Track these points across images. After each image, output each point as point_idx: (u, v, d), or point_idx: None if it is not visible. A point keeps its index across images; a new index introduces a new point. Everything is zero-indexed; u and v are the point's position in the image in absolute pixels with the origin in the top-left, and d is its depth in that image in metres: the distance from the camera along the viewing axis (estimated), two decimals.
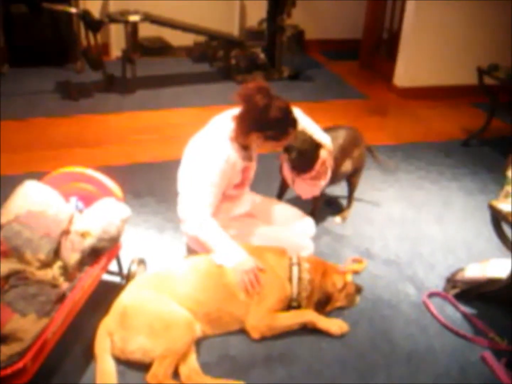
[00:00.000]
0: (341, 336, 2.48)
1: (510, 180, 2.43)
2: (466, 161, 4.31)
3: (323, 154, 2.82)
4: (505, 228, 2.56)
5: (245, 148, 2.64)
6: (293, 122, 2.55)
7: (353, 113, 5.15)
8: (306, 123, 2.85)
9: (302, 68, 6.22)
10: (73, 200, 2.49)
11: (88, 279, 2.25)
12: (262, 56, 5.94)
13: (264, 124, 2.48)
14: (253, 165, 2.79)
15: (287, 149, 2.78)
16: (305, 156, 2.79)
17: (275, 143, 2.58)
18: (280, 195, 3.23)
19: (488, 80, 4.52)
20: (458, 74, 5.57)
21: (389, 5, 6.41)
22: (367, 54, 6.60)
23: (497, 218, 2.51)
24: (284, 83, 5.86)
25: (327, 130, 3.04)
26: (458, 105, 5.49)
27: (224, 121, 2.63)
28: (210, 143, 2.58)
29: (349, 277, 2.68)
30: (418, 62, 5.58)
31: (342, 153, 3.07)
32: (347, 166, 3.16)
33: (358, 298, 2.68)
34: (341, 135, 3.14)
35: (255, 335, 2.42)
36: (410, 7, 5.41)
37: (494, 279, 2.67)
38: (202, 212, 2.53)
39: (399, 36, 5.70)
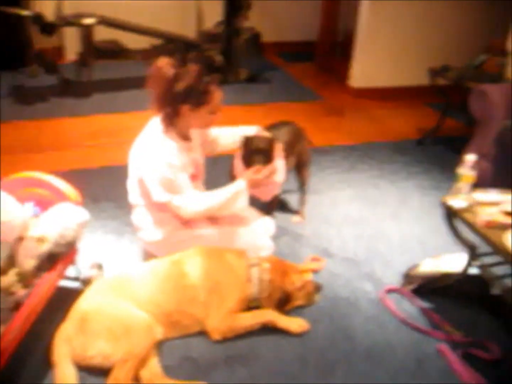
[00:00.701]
0: (301, 335, 2.50)
1: (460, 177, 2.51)
2: (420, 159, 4.40)
3: (278, 149, 2.85)
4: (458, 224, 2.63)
5: (184, 138, 2.64)
6: (211, 79, 2.54)
7: (310, 114, 5.21)
8: (227, 129, 2.93)
9: (259, 71, 6.26)
10: (29, 205, 2.45)
11: (45, 285, 2.23)
12: (219, 58, 5.96)
13: (184, 91, 2.47)
14: (200, 157, 2.80)
15: (245, 147, 2.79)
16: (262, 153, 2.78)
17: (206, 108, 2.54)
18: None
19: (440, 81, 4.64)
20: (412, 75, 5.68)
21: (344, 7, 6.51)
22: (323, 55, 6.68)
23: (450, 214, 2.58)
24: (241, 85, 5.89)
25: (270, 127, 3.09)
26: (412, 105, 5.61)
27: (156, 123, 2.63)
28: (150, 145, 2.57)
29: (308, 276, 2.72)
30: (373, 63, 5.68)
31: (287, 149, 3.09)
32: (292, 161, 3.19)
33: (317, 297, 2.71)
34: (285, 131, 3.18)
35: (216, 336, 2.43)
36: (363, 9, 5.50)
37: (448, 273, 2.75)
38: (185, 196, 2.57)
39: (354, 37, 5.79)
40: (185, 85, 2.47)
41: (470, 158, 2.47)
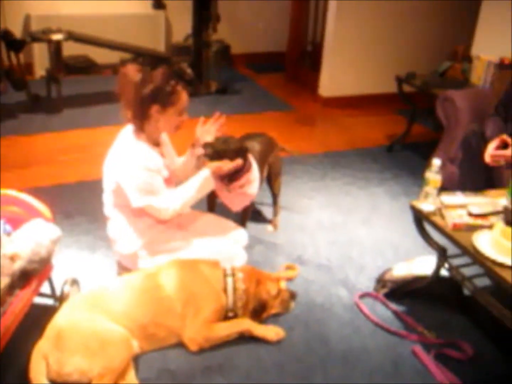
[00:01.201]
0: (278, 342, 2.53)
1: (428, 181, 2.56)
2: (390, 166, 4.48)
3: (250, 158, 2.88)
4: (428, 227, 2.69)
5: (155, 144, 2.67)
6: (176, 79, 2.57)
7: (281, 124, 5.26)
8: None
9: (229, 82, 6.30)
10: (0, 223, 2.44)
11: (20, 303, 2.21)
12: (189, 71, 5.98)
13: (151, 92, 2.50)
14: (170, 163, 2.82)
15: (213, 154, 2.78)
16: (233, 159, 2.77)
17: (174, 109, 2.56)
18: (211, 208, 3.25)
19: (407, 88, 4.74)
20: (379, 83, 5.79)
21: (312, 18, 6.60)
22: (293, 66, 6.76)
23: (419, 218, 2.64)
24: (212, 97, 5.92)
25: (243, 139, 3.13)
26: (381, 113, 5.71)
27: (128, 132, 2.65)
28: (126, 152, 2.59)
29: (283, 284, 2.75)
30: (341, 72, 5.77)
31: (260, 160, 3.12)
32: (264, 171, 3.23)
33: (292, 304, 2.74)
34: (257, 142, 3.22)
35: (193, 347, 2.44)
36: (330, 19, 5.58)
37: (420, 276, 2.80)
38: (163, 197, 2.61)
39: (322, 48, 5.88)
40: (152, 87, 2.50)
41: (436, 162, 2.52)
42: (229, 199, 2.89)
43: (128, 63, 2.63)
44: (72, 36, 5.19)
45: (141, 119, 2.58)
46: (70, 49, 5.63)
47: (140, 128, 2.61)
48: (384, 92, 5.79)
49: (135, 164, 2.54)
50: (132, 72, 2.54)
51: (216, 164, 2.70)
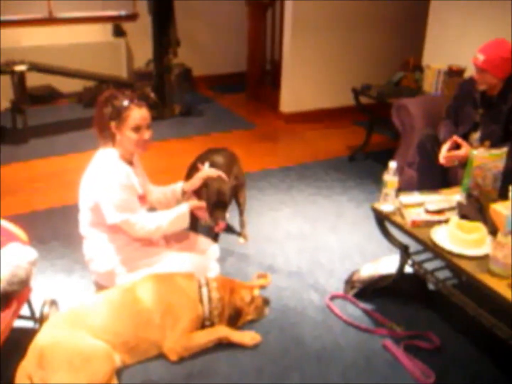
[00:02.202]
0: (255, 346, 2.63)
1: (386, 183, 2.71)
2: (353, 175, 4.65)
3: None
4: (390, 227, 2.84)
5: (129, 163, 2.79)
6: (128, 97, 2.71)
7: (244, 142, 5.39)
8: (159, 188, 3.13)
9: (192, 104, 6.42)
10: None
11: (1, 324, 2.26)
12: (152, 95, 6.09)
13: (109, 110, 2.68)
14: (144, 183, 2.95)
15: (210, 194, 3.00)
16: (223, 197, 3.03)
17: (126, 125, 2.68)
18: (193, 227, 3.34)
19: (364, 100, 4.93)
20: (338, 96, 5.97)
21: (269, 37, 6.78)
22: (253, 85, 6.90)
23: (381, 219, 2.78)
24: (176, 120, 6.04)
25: (206, 155, 3.31)
26: (341, 125, 5.90)
27: (105, 152, 2.76)
28: (102, 170, 2.70)
29: (256, 292, 2.86)
30: (300, 88, 5.95)
31: (227, 171, 3.24)
32: (231, 183, 3.35)
33: (267, 310, 2.84)
34: (221, 156, 3.36)
35: (173, 357, 2.52)
36: (287, 37, 5.77)
37: (386, 275, 2.94)
38: (138, 216, 2.74)
39: (280, 66, 6.05)
40: (110, 105, 2.68)
41: (392, 165, 2.68)
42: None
43: (95, 96, 2.81)
44: (34, 67, 5.26)
45: (106, 137, 2.74)
46: (34, 80, 5.70)
47: (109, 145, 2.74)
48: (343, 105, 5.98)
49: (112, 181, 2.66)
50: (106, 93, 2.76)
51: (196, 202, 2.92)
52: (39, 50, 6.09)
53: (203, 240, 3.17)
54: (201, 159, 3.31)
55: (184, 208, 2.87)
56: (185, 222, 2.88)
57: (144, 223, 2.75)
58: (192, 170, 3.27)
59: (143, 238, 2.84)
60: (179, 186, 3.12)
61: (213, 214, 2.98)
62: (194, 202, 2.94)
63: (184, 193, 3.09)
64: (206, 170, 3.11)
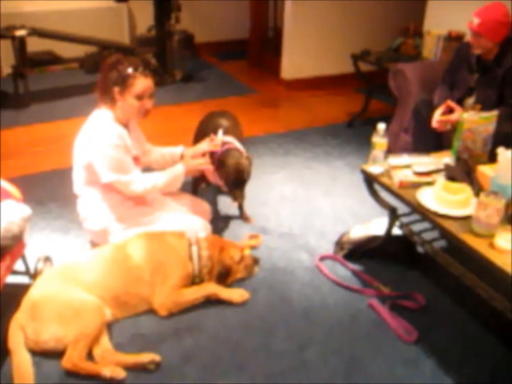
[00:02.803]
0: (243, 304, 2.69)
1: (375, 145, 2.73)
2: (351, 140, 4.66)
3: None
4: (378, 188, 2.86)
5: (124, 125, 2.83)
6: (142, 66, 2.74)
7: (246, 107, 5.41)
8: (158, 148, 3.19)
9: (194, 71, 6.43)
10: None
11: None
12: (153, 61, 6.09)
13: (114, 75, 2.71)
14: (139, 146, 2.98)
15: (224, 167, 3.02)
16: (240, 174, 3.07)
17: (130, 93, 2.71)
18: (195, 191, 3.43)
19: (364, 67, 4.91)
20: (338, 63, 5.96)
21: (271, 5, 6.74)
22: (255, 52, 6.90)
23: (369, 180, 2.81)
24: (178, 86, 6.06)
25: (210, 115, 3.38)
26: (340, 92, 5.90)
27: (100, 113, 2.80)
28: (96, 130, 2.75)
29: (247, 251, 2.91)
30: (301, 55, 5.94)
31: (236, 135, 3.27)
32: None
33: (256, 269, 2.90)
34: (227, 117, 3.39)
35: (163, 312, 2.59)
36: (288, 4, 5.75)
37: (375, 236, 2.98)
38: (132, 175, 2.79)
39: (282, 33, 6.02)
40: (116, 71, 2.70)
41: (381, 126, 2.70)
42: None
43: (97, 62, 2.85)
44: (35, 32, 5.27)
45: (106, 101, 2.76)
46: (35, 45, 5.71)
47: (110, 107, 2.77)
48: (344, 72, 5.96)
49: (105, 141, 2.70)
50: (114, 57, 2.77)
51: (192, 163, 2.95)
52: (40, 15, 6.09)
53: (197, 201, 3.22)
54: (205, 123, 3.35)
55: (180, 169, 2.91)
56: (180, 183, 2.94)
57: (139, 182, 2.80)
58: (199, 136, 3.31)
59: (137, 197, 2.89)
60: (179, 150, 3.15)
61: (233, 193, 3.05)
62: (190, 163, 2.97)
63: (182, 157, 3.12)
64: (220, 138, 3.14)
